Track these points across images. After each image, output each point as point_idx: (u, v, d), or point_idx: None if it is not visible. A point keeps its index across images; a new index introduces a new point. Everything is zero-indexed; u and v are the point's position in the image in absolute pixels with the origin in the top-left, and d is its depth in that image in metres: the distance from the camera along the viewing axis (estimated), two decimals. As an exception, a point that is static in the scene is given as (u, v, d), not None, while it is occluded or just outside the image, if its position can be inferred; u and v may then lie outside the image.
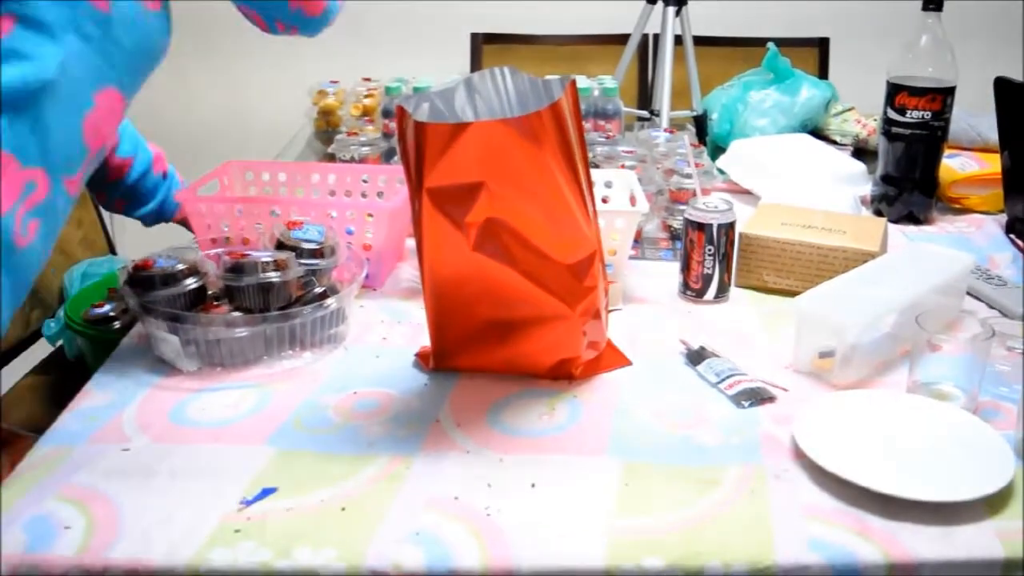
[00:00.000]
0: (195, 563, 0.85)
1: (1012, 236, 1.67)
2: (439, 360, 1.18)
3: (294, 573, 0.85)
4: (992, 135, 1.79)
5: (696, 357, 1.21)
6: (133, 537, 0.88)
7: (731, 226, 1.37)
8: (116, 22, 1.09)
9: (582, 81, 2.08)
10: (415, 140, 1.04)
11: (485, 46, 2.86)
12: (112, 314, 1.79)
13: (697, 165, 1.66)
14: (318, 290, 1.24)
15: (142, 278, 1.20)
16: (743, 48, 2.64)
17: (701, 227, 1.36)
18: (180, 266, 1.21)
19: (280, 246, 1.28)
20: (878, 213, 1.75)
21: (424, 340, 1.22)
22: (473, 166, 1.03)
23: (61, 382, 1.85)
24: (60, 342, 1.92)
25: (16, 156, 1.04)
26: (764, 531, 0.90)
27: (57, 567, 0.85)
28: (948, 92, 1.65)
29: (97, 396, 1.14)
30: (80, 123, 1.10)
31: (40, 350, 1.92)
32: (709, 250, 1.36)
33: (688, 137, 1.85)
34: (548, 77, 1.12)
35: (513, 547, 0.88)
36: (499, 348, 1.15)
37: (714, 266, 1.37)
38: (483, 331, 1.14)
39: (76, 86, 1.08)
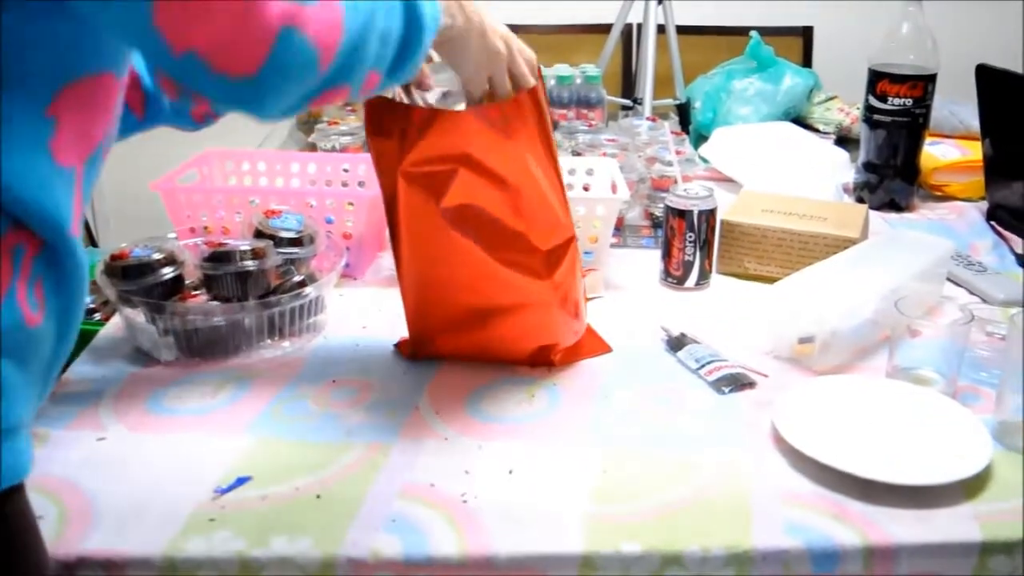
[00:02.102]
0: (170, 553, 0.84)
1: (993, 223, 1.67)
2: (417, 347, 1.18)
3: (270, 561, 0.84)
4: (973, 122, 1.79)
5: (676, 343, 1.21)
6: (107, 527, 0.87)
7: (712, 213, 1.37)
8: None
9: (565, 69, 2.07)
10: (395, 124, 1.04)
11: (469, 36, 2.84)
12: (92, 306, 1.79)
13: (678, 153, 1.66)
14: (297, 279, 1.23)
15: (118, 268, 1.19)
16: (726, 37, 2.64)
17: (682, 214, 1.36)
18: (156, 255, 1.20)
19: (258, 235, 1.28)
20: (860, 200, 1.75)
21: (403, 327, 1.22)
22: (450, 150, 1.03)
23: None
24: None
25: None
26: (742, 516, 0.90)
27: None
28: (929, 79, 1.65)
29: (74, 385, 1.13)
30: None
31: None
32: (690, 237, 1.36)
33: (669, 125, 1.84)
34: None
35: (490, 533, 0.87)
36: (478, 335, 1.14)
37: (695, 253, 1.37)
38: (461, 318, 1.13)
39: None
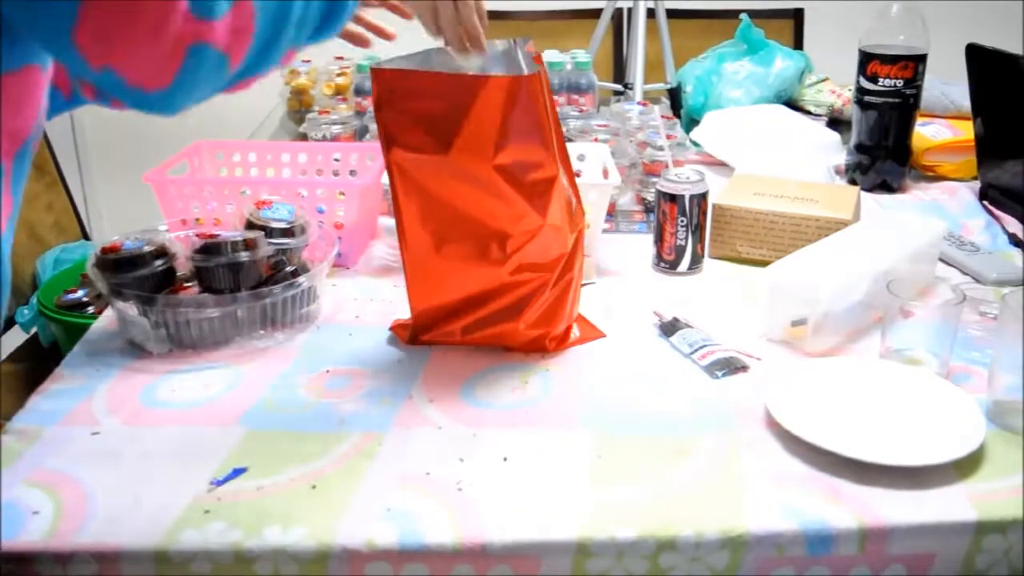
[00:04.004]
0: (164, 545, 0.84)
1: (985, 203, 1.67)
2: (417, 332, 1.18)
3: (264, 552, 0.84)
4: (965, 102, 1.79)
5: (669, 328, 1.21)
6: (102, 520, 0.87)
7: (703, 197, 1.37)
8: None
9: (555, 55, 2.07)
10: (430, 97, 1.04)
11: (459, 23, 2.84)
12: (85, 299, 1.79)
13: (669, 137, 1.66)
14: (289, 269, 1.23)
15: (110, 261, 1.19)
16: (717, 20, 2.63)
17: (673, 198, 1.36)
18: (148, 248, 1.20)
19: (250, 226, 1.27)
20: (852, 182, 1.75)
21: (397, 316, 1.22)
22: (451, 123, 1.03)
23: (36, 369, 1.84)
24: (35, 329, 1.90)
25: None
26: (736, 499, 0.90)
27: (25, 552, 0.84)
28: (920, 60, 1.65)
29: (67, 379, 1.13)
30: None
31: (15, 337, 1.91)
32: (682, 221, 1.36)
33: (660, 109, 1.84)
34: (496, 42, 1.11)
35: (485, 521, 0.87)
36: (476, 320, 1.14)
37: (687, 237, 1.37)
38: (460, 303, 1.14)
39: None
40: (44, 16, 0.68)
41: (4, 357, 1.90)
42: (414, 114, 1.05)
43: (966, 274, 1.40)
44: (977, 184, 1.73)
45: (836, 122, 2.08)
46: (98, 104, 0.86)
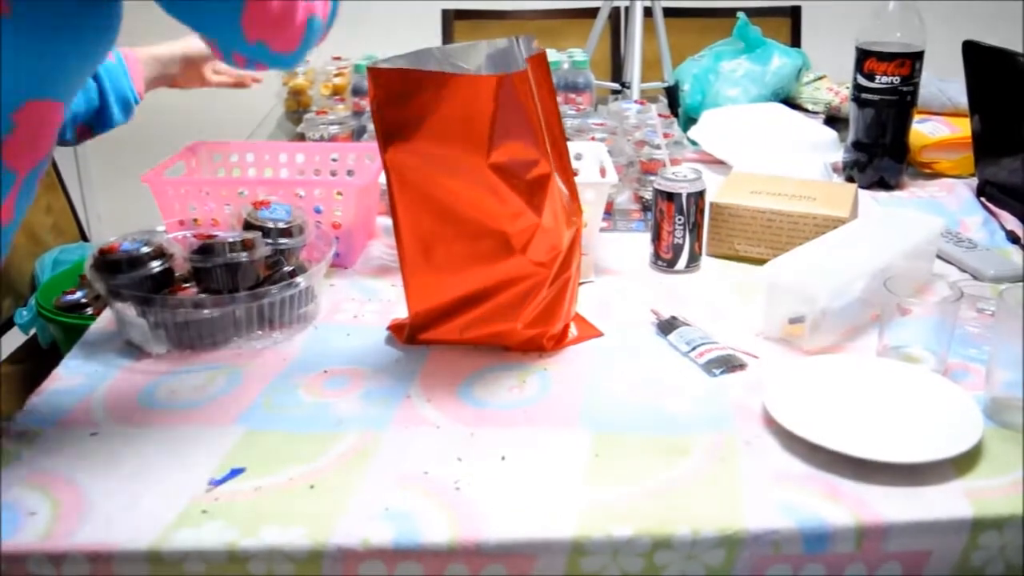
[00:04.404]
0: (157, 545, 0.84)
1: (983, 199, 1.68)
2: (414, 331, 1.18)
3: (259, 552, 0.84)
4: (962, 99, 1.79)
5: (667, 327, 1.21)
6: (98, 521, 0.87)
7: (700, 195, 1.37)
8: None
9: (552, 55, 2.07)
10: (430, 97, 1.04)
11: (456, 22, 2.84)
12: (84, 300, 1.79)
13: (666, 135, 1.66)
14: (286, 269, 1.23)
15: (108, 262, 1.19)
16: (714, 19, 2.63)
17: (670, 197, 1.36)
18: (145, 249, 1.20)
19: (247, 226, 1.27)
20: (850, 180, 1.75)
21: (395, 316, 1.22)
22: (458, 124, 1.04)
23: (36, 370, 1.84)
24: (33, 330, 1.90)
25: None
26: (734, 497, 0.90)
27: (20, 554, 0.84)
28: (917, 57, 1.65)
29: (66, 380, 1.13)
30: None
31: (14, 338, 1.91)
32: (679, 220, 1.36)
33: (656, 108, 1.84)
34: (497, 40, 1.12)
35: (482, 520, 0.87)
36: (473, 319, 1.14)
37: (684, 236, 1.37)
38: (458, 302, 1.14)
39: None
40: (216, 11, 0.93)
41: (3, 358, 1.90)
42: (411, 114, 1.05)
43: (964, 271, 1.40)
44: (974, 181, 1.73)
45: (833, 120, 2.08)
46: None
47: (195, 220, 1.40)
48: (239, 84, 1.59)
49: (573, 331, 1.21)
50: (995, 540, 0.88)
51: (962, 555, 0.88)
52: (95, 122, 1.38)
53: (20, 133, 0.90)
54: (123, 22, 0.95)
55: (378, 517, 0.88)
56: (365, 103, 2.00)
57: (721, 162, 1.82)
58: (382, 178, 1.12)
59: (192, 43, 1.45)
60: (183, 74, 1.49)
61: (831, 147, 1.83)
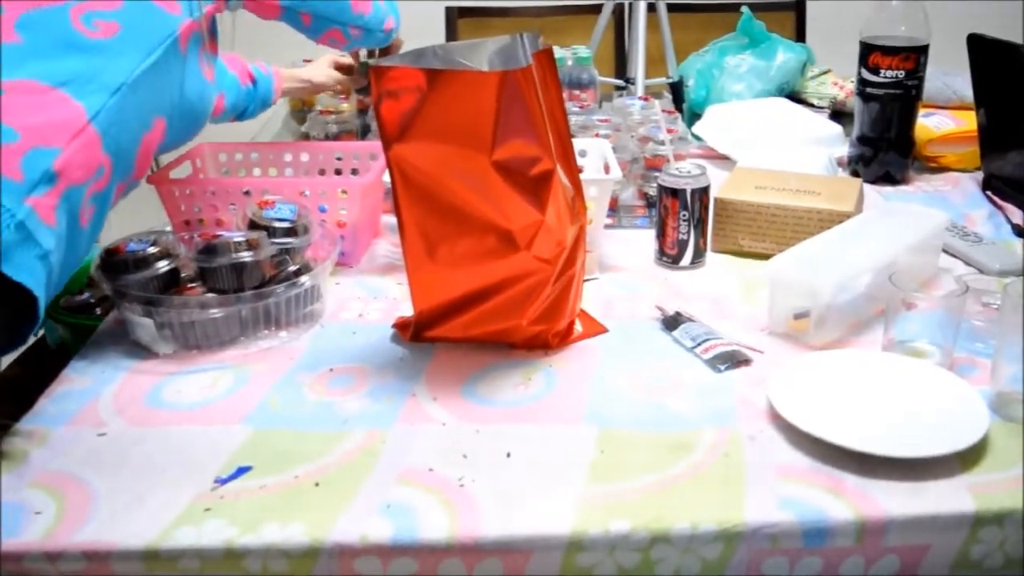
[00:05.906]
0: (154, 543, 0.85)
1: (988, 193, 1.67)
2: (419, 329, 1.18)
3: (257, 549, 0.85)
4: (967, 93, 1.79)
5: (672, 323, 1.21)
6: (101, 520, 0.88)
7: (705, 191, 1.37)
8: (186, 62, 1.20)
9: (556, 51, 2.06)
10: (423, 93, 1.05)
11: (460, 20, 2.84)
12: (92, 301, 1.79)
13: (670, 131, 1.66)
14: (292, 268, 1.24)
15: (114, 263, 1.19)
16: (718, 14, 2.63)
17: (675, 193, 1.36)
18: (152, 249, 1.20)
19: (252, 226, 1.28)
20: (855, 174, 1.75)
21: (400, 314, 1.22)
22: (460, 121, 1.04)
23: (44, 371, 1.85)
24: (42, 331, 1.91)
25: (102, 137, 1.09)
26: (736, 492, 0.90)
27: (18, 552, 0.85)
28: (921, 51, 1.65)
29: (74, 381, 1.14)
30: (139, 139, 1.16)
31: (21, 339, 1.91)
32: (684, 216, 1.36)
33: (660, 104, 1.84)
34: (501, 38, 1.12)
35: (483, 516, 0.88)
36: (478, 316, 1.14)
37: (689, 231, 1.37)
38: (463, 299, 1.14)
39: (147, 100, 1.15)
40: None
41: (11, 359, 1.91)
42: (414, 111, 1.05)
43: (969, 265, 1.39)
44: (980, 175, 1.73)
45: (839, 114, 2.07)
46: (357, 45, 1.57)
47: (200, 221, 1.41)
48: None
49: (578, 328, 1.21)
50: (995, 534, 0.88)
51: (961, 549, 0.88)
52: (238, 116, 1.69)
53: (152, 136, 1.18)
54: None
55: (379, 514, 0.88)
56: (369, 101, 2.00)
57: (725, 157, 1.82)
58: (386, 176, 1.12)
59: (317, 71, 1.88)
60: (306, 92, 1.93)
61: (836, 142, 1.83)
